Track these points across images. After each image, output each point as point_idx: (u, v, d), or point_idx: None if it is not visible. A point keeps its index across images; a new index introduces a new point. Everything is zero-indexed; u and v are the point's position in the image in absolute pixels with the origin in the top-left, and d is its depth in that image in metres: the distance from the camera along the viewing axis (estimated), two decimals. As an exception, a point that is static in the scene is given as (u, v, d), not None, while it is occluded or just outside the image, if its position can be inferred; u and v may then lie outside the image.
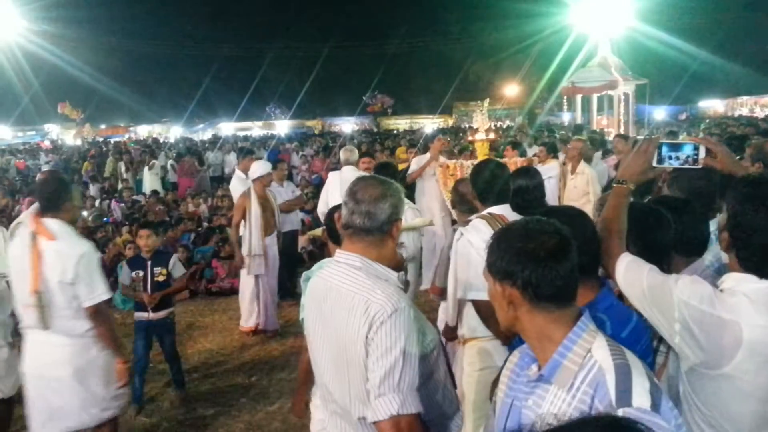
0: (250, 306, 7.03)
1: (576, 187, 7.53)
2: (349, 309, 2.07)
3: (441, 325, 3.83)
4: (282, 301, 7.68)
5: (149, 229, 5.75)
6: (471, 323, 3.40)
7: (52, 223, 3.72)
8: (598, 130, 18.32)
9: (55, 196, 3.77)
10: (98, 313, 3.76)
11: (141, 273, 5.55)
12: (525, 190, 3.74)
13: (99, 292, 3.74)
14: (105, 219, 12.28)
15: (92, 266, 3.74)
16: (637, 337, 2.09)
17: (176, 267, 5.72)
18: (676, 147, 2.26)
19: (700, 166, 2.29)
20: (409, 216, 5.50)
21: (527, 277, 1.66)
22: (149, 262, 5.58)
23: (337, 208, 3.30)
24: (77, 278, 3.66)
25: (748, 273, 1.97)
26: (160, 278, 5.58)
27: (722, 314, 1.90)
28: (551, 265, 1.66)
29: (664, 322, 2.00)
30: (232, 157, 18.37)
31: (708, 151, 2.26)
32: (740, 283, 1.96)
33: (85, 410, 3.83)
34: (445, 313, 3.78)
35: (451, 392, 2.30)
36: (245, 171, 7.63)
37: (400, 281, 2.18)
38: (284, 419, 5.02)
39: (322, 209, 7.39)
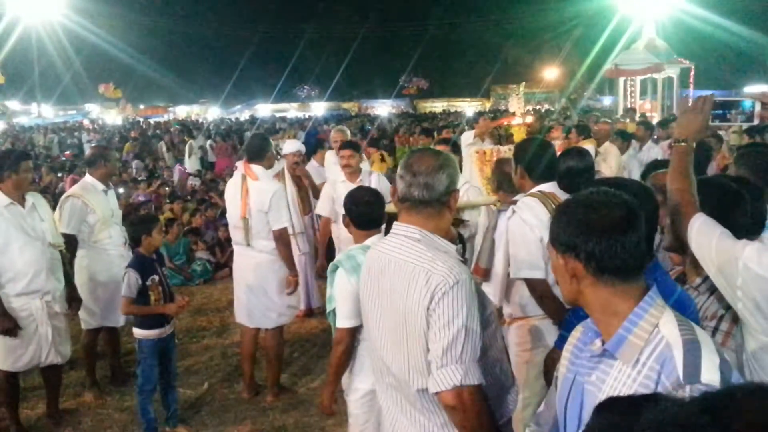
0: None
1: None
2: (409, 280, 2.06)
3: None
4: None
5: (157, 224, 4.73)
6: (521, 302, 3.36)
7: (257, 168, 5.02)
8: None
9: (260, 149, 5.11)
10: (281, 236, 5.01)
11: (156, 278, 4.48)
12: (576, 172, 3.62)
13: (283, 220, 5.01)
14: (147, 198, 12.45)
15: (281, 201, 5.05)
16: (680, 311, 2.06)
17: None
18: (731, 106, 2.24)
19: (756, 122, 2.26)
20: (472, 194, 5.44)
21: (590, 250, 1.61)
22: (157, 263, 4.58)
23: (358, 191, 3.22)
24: (270, 208, 4.89)
25: None
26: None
27: None
28: (616, 237, 1.60)
29: (727, 287, 1.98)
30: (270, 138, 18.49)
31: (764, 106, 2.22)
32: None
33: (266, 315, 5.10)
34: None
35: (507, 366, 2.28)
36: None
37: (459, 253, 2.17)
38: (326, 395, 5.06)
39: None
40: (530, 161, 3.46)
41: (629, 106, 20.83)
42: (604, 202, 1.66)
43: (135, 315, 4.55)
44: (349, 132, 7.75)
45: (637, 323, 1.60)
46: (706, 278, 2.19)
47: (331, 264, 3.28)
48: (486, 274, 3.76)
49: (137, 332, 4.47)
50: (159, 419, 4.60)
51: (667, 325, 1.59)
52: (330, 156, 7.40)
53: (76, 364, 5.57)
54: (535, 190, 3.39)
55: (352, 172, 5.95)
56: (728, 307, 2.12)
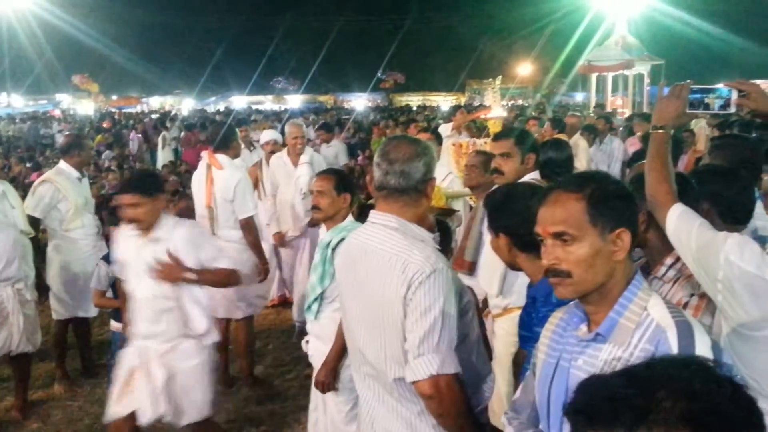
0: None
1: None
2: (386, 270, 2.06)
3: None
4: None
5: None
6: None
7: (222, 157, 5.00)
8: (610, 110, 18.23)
9: (225, 138, 5.07)
10: (247, 225, 4.97)
11: None
12: (556, 162, 3.70)
13: (249, 208, 4.97)
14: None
15: (246, 189, 4.99)
16: None
17: None
18: (708, 92, 2.24)
19: (732, 110, 2.27)
20: (456, 185, 5.44)
21: (636, 222, 1.71)
22: None
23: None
24: (235, 197, 4.88)
25: None
26: None
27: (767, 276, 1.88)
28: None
29: (707, 280, 1.98)
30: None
31: (740, 93, 2.23)
32: None
33: (235, 305, 5.00)
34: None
35: (484, 354, 2.30)
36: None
37: (436, 242, 2.17)
38: (301, 386, 5.04)
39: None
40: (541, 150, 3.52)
41: (594, 101, 21.18)
42: (610, 177, 1.76)
43: (105, 308, 4.48)
44: (304, 127, 7.00)
45: (627, 306, 1.63)
46: (670, 267, 2.22)
47: (327, 240, 3.29)
48: (471, 268, 3.74)
49: (112, 324, 4.42)
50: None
51: (656, 308, 1.62)
52: (276, 160, 6.55)
53: (46, 356, 5.48)
54: (527, 178, 3.42)
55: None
56: (692, 294, 2.15)
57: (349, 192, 3.48)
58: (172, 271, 3.30)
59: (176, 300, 3.40)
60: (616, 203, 1.65)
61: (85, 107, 39.63)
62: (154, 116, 26.47)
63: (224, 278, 3.53)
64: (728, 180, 2.43)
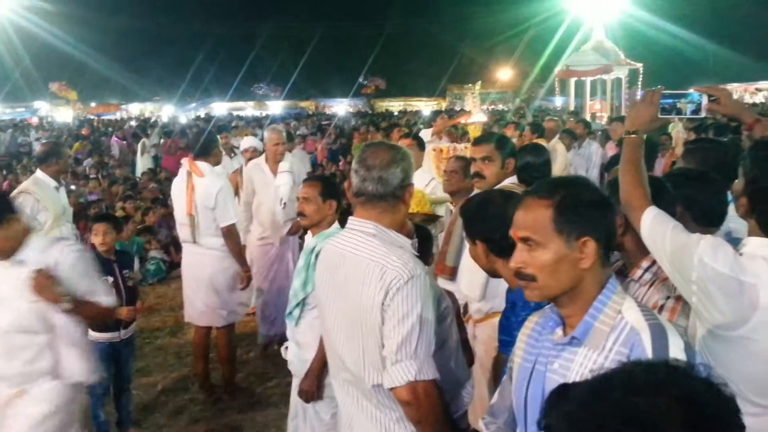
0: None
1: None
2: (364, 276, 2.06)
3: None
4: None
5: (106, 223, 4.45)
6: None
7: (202, 165, 4.94)
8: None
9: (205, 145, 5.01)
10: (229, 232, 4.92)
11: (110, 279, 4.21)
12: (533, 166, 3.74)
13: (230, 216, 4.92)
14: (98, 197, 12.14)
15: (227, 197, 4.95)
16: None
17: (136, 271, 4.78)
18: (679, 97, 2.28)
19: (704, 115, 2.32)
20: (438, 191, 5.46)
21: (608, 228, 1.68)
22: (116, 264, 4.37)
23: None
24: (216, 205, 4.83)
25: None
26: (130, 283, 4.46)
27: (741, 277, 1.91)
28: (614, 214, 1.71)
29: (682, 281, 2.00)
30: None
31: (710, 99, 2.27)
32: (761, 247, 1.97)
33: (216, 312, 5.01)
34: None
35: (463, 360, 2.30)
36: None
37: (414, 248, 2.18)
38: (283, 393, 5.02)
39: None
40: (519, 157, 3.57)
41: (572, 106, 21.46)
42: (587, 184, 1.74)
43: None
44: (285, 133, 6.71)
45: (602, 310, 1.64)
46: (646, 270, 2.25)
47: (312, 246, 3.28)
48: (453, 273, 3.73)
49: (90, 334, 4.35)
50: (111, 422, 4.50)
51: (630, 311, 1.63)
52: (253, 166, 6.26)
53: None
54: (506, 182, 3.45)
55: None
56: (668, 297, 2.18)
57: (334, 198, 3.50)
58: (47, 285, 2.73)
59: (45, 334, 2.85)
60: (585, 211, 1.64)
61: (64, 115, 39.25)
62: (133, 123, 26.34)
63: (99, 315, 3.08)
64: (701, 183, 2.46)
